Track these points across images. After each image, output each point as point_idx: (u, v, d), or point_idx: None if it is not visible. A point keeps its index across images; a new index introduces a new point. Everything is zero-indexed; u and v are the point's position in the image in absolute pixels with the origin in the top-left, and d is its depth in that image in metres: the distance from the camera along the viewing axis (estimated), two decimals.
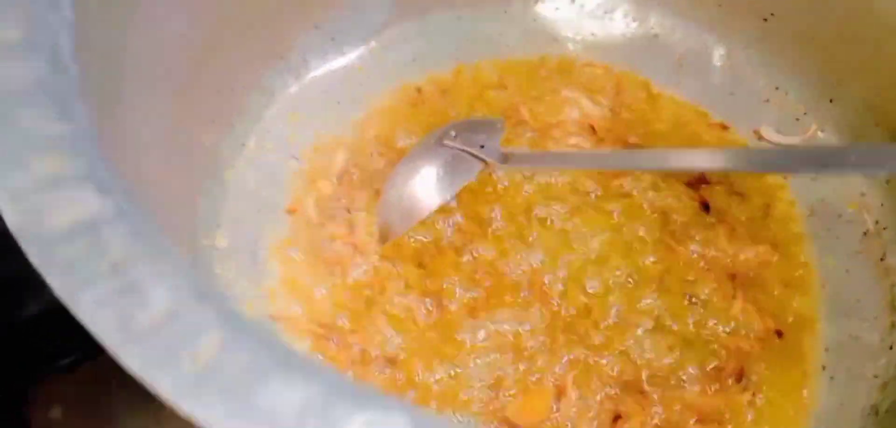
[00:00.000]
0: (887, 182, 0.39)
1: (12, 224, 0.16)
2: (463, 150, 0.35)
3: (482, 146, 0.35)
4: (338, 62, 0.42)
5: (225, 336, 0.16)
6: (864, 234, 0.38)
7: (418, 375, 0.33)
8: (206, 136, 0.35)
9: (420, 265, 0.36)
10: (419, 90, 0.42)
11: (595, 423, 0.31)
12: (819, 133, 0.41)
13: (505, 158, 0.35)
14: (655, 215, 0.38)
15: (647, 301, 0.35)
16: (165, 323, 0.15)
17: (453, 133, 0.36)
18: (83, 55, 0.20)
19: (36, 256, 0.16)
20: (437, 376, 0.33)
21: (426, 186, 0.35)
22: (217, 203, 0.35)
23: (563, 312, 0.34)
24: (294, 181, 0.38)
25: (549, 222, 0.37)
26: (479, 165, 0.36)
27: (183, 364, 0.15)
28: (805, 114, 0.42)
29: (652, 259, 0.37)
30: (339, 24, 0.41)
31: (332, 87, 0.41)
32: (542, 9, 0.46)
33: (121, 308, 0.15)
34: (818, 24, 0.40)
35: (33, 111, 0.18)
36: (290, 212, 0.37)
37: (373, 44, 0.43)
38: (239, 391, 0.15)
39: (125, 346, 0.15)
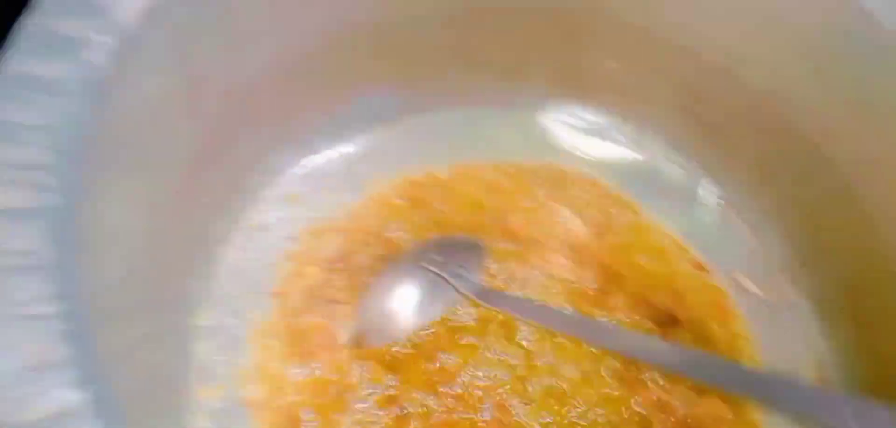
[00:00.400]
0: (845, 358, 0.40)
1: None
2: (441, 276, 0.37)
3: (459, 274, 0.37)
4: (342, 148, 0.43)
5: None
6: None
7: None
8: (201, 213, 0.36)
9: (390, 369, 0.37)
10: (416, 186, 0.44)
11: None
12: (791, 294, 0.42)
13: (481, 295, 0.37)
14: (617, 362, 0.39)
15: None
16: None
17: (434, 252, 0.37)
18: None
19: None
20: None
21: (405, 307, 0.37)
22: (205, 281, 0.37)
23: None
24: (284, 264, 0.40)
25: (522, 344, 0.39)
26: (455, 296, 0.37)
27: None
28: (782, 267, 0.43)
29: (614, 393, 0.38)
30: (349, 111, 0.43)
31: (333, 171, 0.43)
32: (543, 118, 0.47)
33: None
34: (807, 194, 0.42)
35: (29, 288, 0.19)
36: (276, 295, 0.39)
37: (378, 133, 0.44)
38: None
39: None
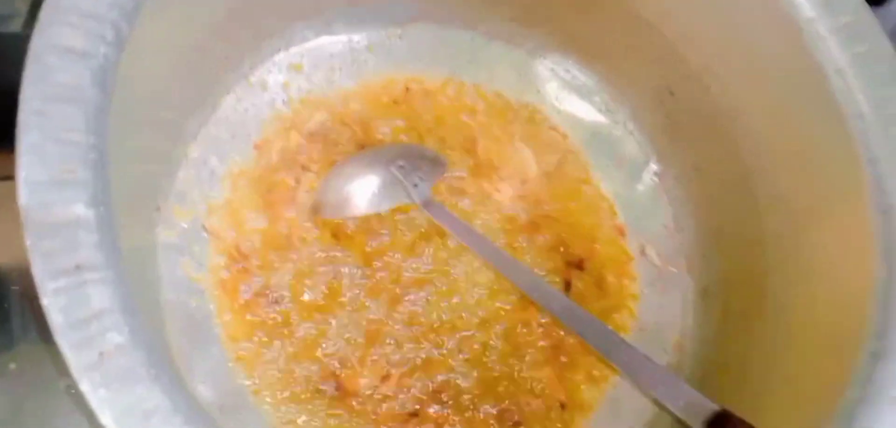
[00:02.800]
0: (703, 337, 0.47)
1: (21, 206, 0.24)
2: (400, 181, 0.43)
3: (416, 184, 0.43)
4: (355, 37, 0.48)
5: (126, 341, 0.24)
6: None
7: (292, 320, 0.41)
8: (216, 63, 0.42)
9: (335, 236, 0.44)
10: (407, 88, 0.49)
11: (396, 409, 0.41)
12: (686, 274, 0.49)
13: (427, 205, 0.43)
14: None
15: (485, 339, 0.44)
16: (93, 321, 0.24)
17: (401, 161, 0.43)
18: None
19: (28, 239, 0.24)
20: (307, 326, 0.41)
21: (362, 193, 0.43)
22: (203, 120, 0.43)
23: (421, 320, 0.43)
24: (272, 123, 0.45)
25: (452, 250, 0.45)
26: (405, 200, 0.44)
27: (91, 353, 0.24)
28: (686, 254, 0.49)
29: (508, 307, 0.45)
30: (371, 5, 0.47)
31: (340, 54, 0.48)
32: (538, 64, 0.52)
33: (67, 302, 0.24)
34: (728, 210, 0.48)
35: (68, 117, 0.26)
36: (257, 148, 0.45)
37: (390, 32, 0.49)
38: (116, 384, 0.24)
39: (62, 330, 0.23)
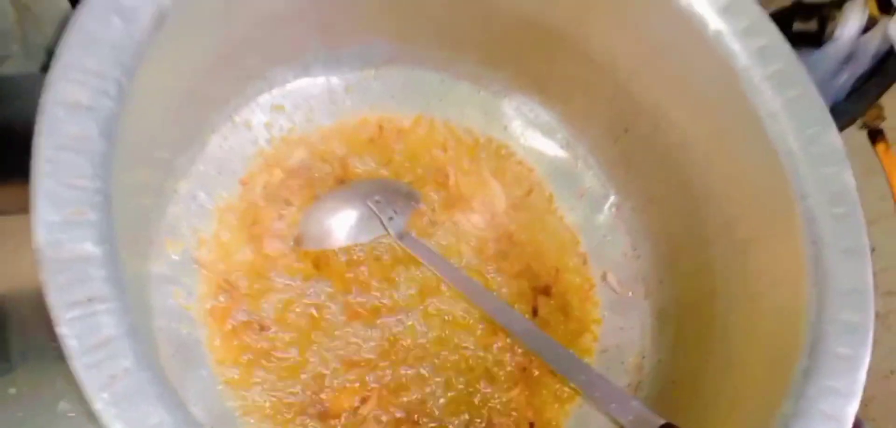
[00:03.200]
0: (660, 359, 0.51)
1: (37, 245, 0.27)
2: (376, 215, 0.47)
3: (392, 217, 0.47)
4: (332, 78, 0.51)
5: (132, 363, 0.28)
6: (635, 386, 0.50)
7: (277, 346, 0.44)
8: (205, 106, 0.45)
9: (316, 266, 0.47)
10: (381, 127, 0.53)
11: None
12: (643, 300, 0.53)
13: (402, 237, 0.47)
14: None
15: (457, 361, 0.47)
16: (104, 347, 0.27)
17: (377, 196, 0.47)
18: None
19: (44, 274, 0.27)
20: (291, 351, 0.44)
21: (341, 227, 0.46)
22: (192, 158, 0.46)
23: (398, 344, 0.46)
24: (256, 160, 0.48)
25: (426, 279, 0.49)
26: (382, 233, 0.47)
27: (103, 375, 0.27)
28: (644, 279, 0.53)
29: (478, 332, 0.48)
30: (348, 49, 0.51)
31: (318, 94, 0.51)
32: (504, 103, 0.56)
33: (81, 330, 0.27)
34: (684, 238, 0.52)
35: (77, 166, 0.29)
36: (243, 183, 0.48)
37: (366, 73, 0.52)
38: (125, 403, 0.27)
39: (76, 355, 0.26)
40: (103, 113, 0.30)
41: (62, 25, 0.52)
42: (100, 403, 0.26)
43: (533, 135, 0.56)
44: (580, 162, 0.56)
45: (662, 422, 0.37)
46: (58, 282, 0.27)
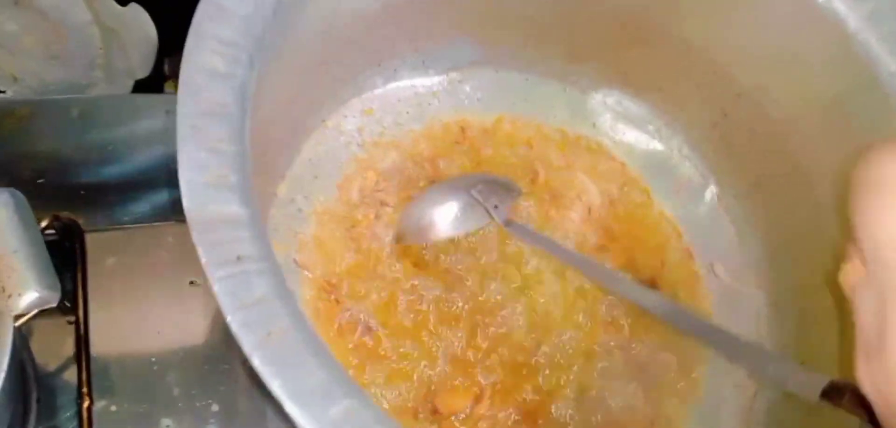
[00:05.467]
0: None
1: (186, 208, 0.28)
2: (481, 204, 0.46)
3: (496, 206, 0.47)
4: (420, 81, 0.52)
5: (288, 324, 0.27)
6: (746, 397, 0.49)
7: (384, 346, 0.44)
8: (302, 109, 0.46)
9: (416, 265, 0.47)
10: (465, 128, 0.53)
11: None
12: (755, 288, 0.52)
13: (508, 224, 0.46)
14: (607, 303, 0.49)
15: (571, 360, 0.46)
16: (257, 305, 0.27)
17: (480, 186, 0.47)
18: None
19: (195, 235, 0.27)
20: (399, 351, 0.44)
21: (444, 218, 0.46)
22: (289, 162, 0.46)
23: (505, 342, 0.45)
24: (350, 164, 0.49)
25: (527, 271, 0.48)
26: (488, 220, 0.47)
27: (259, 334, 0.27)
28: (755, 268, 0.52)
29: (590, 333, 0.48)
30: (432, 52, 0.52)
31: (407, 98, 0.52)
32: (590, 99, 0.56)
33: (234, 287, 0.27)
34: (789, 216, 0.51)
35: (218, 131, 0.29)
36: (339, 187, 0.48)
37: (451, 77, 0.53)
38: (284, 362, 0.27)
39: (231, 310, 0.26)
40: (238, 81, 0.30)
41: (148, 51, 0.54)
42: (257, 359, 0.26)
43: (624, 128, 0.56)
44: (675, 152, 0.56)
45: (829, 379, 0.35)
46: (207, 240, 0.27)
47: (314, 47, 0.43)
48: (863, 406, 0.32)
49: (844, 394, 0.34)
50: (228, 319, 0.26)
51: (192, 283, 0.43)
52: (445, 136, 0.52)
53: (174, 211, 0.45)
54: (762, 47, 0.48)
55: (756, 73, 0.49)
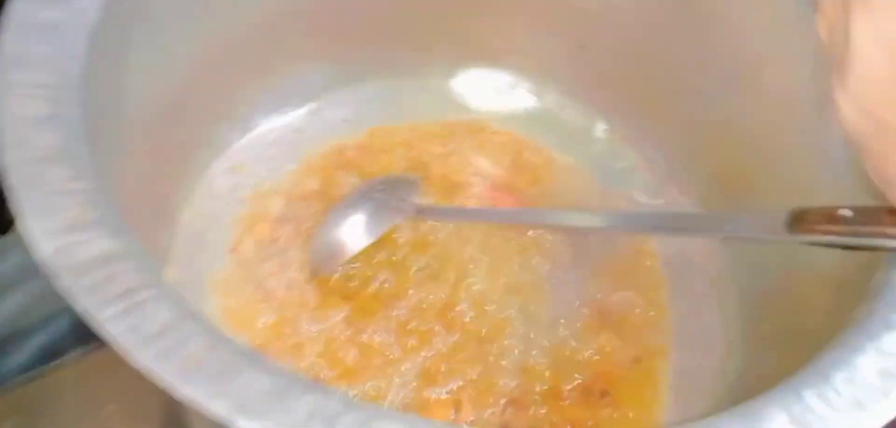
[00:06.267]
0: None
1: (46, 258, 0.22)
2: (385, 203, 0.42)
3: (402, 199, 0.43)
4: (279, 121, 0.48)
5: (208, 341, 0.22)
6: (710, 280, 0.46)
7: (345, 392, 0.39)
8: (162, 183, 0.41)
9: (346, 298, 0.42)
10: (341, 151, 0.49)
11: None
12: (679, 196, 0.50)
13: (418, 212, 0.43)
14: (545, 261, 0.46)
15: (535, 331, 0.43)
16: (166, 333, 0.22)
17: (378, 188, 0.43)
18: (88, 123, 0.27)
19: (65, 283, 0.22)
20: (358, 391, 0.39)
21: (352, 232, 0.42)
22: (169, 242, 0.41)
23: (463, 338, 0.41)
24: (236, 225, 0.44)
25: (456, 260, 0.44)
26: (398, 216, 0.43)
27: (180, 360, 0.21)
28: (667, 184, 0.50)
29: (540, 296, 0.44)
30: (283, 87, 0.48)
31: (273, 142, 0.48)
32: (455, 83, 0.54)
33: (133, 322, 0.21)
34: (676, 112, 0.49)
35: (59, 172, 0.24)
36: (232, 251, 0.43)
37: (309, 106, 0.50)
38: (220, 379, 0.21)
39: (138, 348, 0.21)
40: (66, 120, 0.26)
41: None
42: (188, 388, 0.20)
43: (497, 99, 0.54)
44: (553, 104, 0.54)
45: (788, 211, 0.33)
46: (84, 284, 0.22)
47: (151, 114, 0.38)
48: (831, 220, 0.30)
49: (810, 214, 0.32)
50: (137, 357, 0.21)
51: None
52: (325, 165, 0.48)
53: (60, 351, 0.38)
54: None
55: None
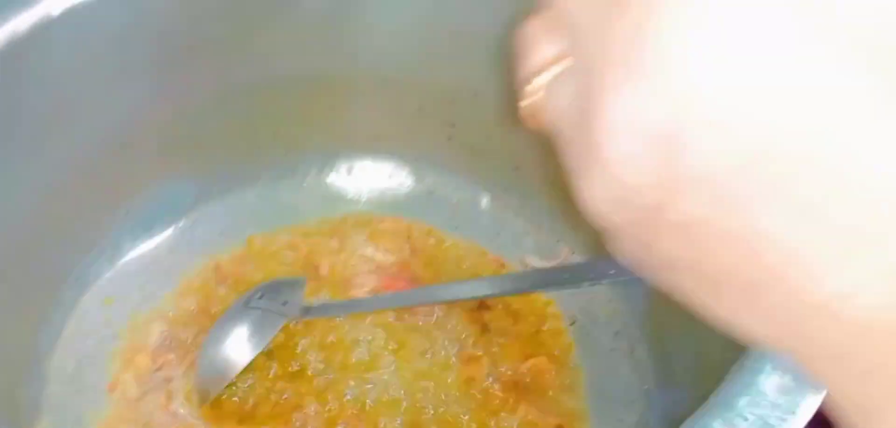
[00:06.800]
0: (626, 288, 0.48)
1: None
2: (267, 310, 0.40)
3: (285, 303, 0.41)
4: (148, 245, 0.46)
5: None
6: (616, 333, 0.46)
7: None
8: (24, 329, 0.37)
9: (240, 421, 0.40)
10: (220, 265, 0.47)
11: None
12: (571, 256, 0.50)
13: (305, 312, 0.41)
14: (452, 343, 0.44)
15: (451, 417, 0.41)
16: None
17: (260, 295, 0.41)
18: None
19: None
20: None
21: (237, 346, 0.40)
22: (38, 391, 0.37)
23: None
24: (113, 361, 0.41)
25: (357, 359, 0.43)
26: (282, 320, 0.41)
27: None
28: (557, 243, 0.50)
29: (451, 378, 0.43)
30: (148, 209, 0.46)
31: (144, 267, 0.45)
32: (334, 178, 0.52)
33: None
34: (556, 172, 0.49)
35: None
36: (111, 390, 0.40)
37: (180, 223, 0.47)
38: None
39: None
40: None
41: None
42: None
43: (378, 187, 0.53)
44: (436, 183, 0.53)
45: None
46: None
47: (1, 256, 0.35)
48: None
49: None
50: None
51: None
52: (204, 283, 0.46)
53: None
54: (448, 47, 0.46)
55: (456, 70, 0.47)
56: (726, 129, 0.13)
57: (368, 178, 0.53)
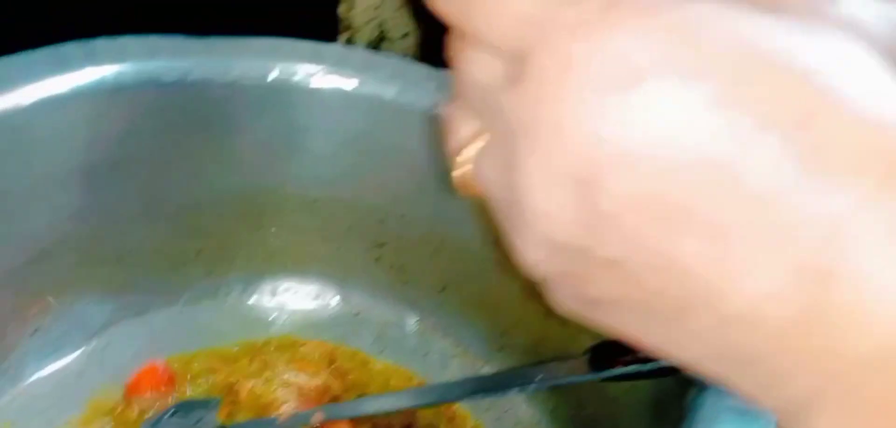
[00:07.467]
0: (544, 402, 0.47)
1: None
2: None
3: (198, 421, 0.39)
4: (54, 366, 0.44)
5: None
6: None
7: None
8: None
9: None
10: (139, 385, 0.45)
11: None
12: (485, 367, 0.50)
13: None
14: None
15: None
16: None
17: (168, 417, 0.39)
18: None
19: None
20: None
21: None
22: None
23: None
24: None
25: None
26: None
27: None
28: (484, 365, 0.50)
29: None
30: (58, 328, 0.44)
31: (50, 390, 0.43)
32: (256, 299, 0.51)
33: None
34: (481, 292, 0.50)
35: None
36: None
37: (93, 344, 0.45)
38: None
39: None
40: None
41: None
42: None
43: (300, 309, 0.52)
44: (362, 304, 0.53)
45: (586, 349, 0.34)
46: None
47: None
48: (627, 349, 0.31)
49: (606, 347, 0.33)
50: None
51: None
52: (114, 408, 0.44)
53: None
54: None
55: (384, 193, 0.48)
56: (626, 168, 0.14)
57: (293, 299, 0.52)
